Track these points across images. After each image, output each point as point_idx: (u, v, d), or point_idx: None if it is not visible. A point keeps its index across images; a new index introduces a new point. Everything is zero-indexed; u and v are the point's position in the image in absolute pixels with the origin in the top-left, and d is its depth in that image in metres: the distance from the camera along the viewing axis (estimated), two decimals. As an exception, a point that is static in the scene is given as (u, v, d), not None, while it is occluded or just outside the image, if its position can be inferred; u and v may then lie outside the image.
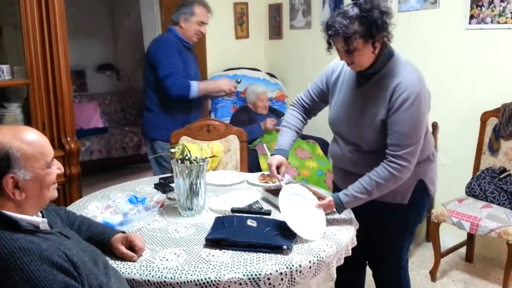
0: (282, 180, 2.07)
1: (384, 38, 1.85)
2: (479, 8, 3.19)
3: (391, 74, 1.91)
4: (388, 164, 1.89)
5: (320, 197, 2.10)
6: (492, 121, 3.16)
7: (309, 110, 2.29)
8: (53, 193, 1.37)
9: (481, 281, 3.10)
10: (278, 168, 2.11)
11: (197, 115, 3.28)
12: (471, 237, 3.29)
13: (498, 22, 3.11)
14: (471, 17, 3.23)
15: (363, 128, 1.98)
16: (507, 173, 3.03)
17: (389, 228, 2.12)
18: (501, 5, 3.08)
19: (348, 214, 2.02)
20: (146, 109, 3.23)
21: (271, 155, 2.16)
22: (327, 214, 1.95)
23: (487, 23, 3.17)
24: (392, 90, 1.89)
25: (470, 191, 3.11)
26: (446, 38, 3.34)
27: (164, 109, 3.14)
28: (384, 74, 1.93)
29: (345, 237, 1.82)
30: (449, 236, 3.39)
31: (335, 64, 2.16)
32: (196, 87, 3.04)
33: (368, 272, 2.37)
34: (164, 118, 3.14)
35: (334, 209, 1.95)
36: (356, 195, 1.91)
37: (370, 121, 1.95)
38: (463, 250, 3.37)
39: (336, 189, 2.29)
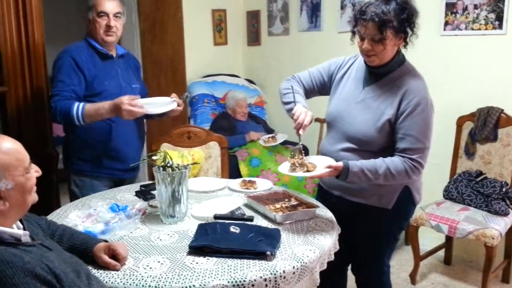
0: (300, 134, 1.99)
1: (410, 38, 1.92)
2: (453, 14, 3.26)
3: (402, 78, 1.96)
4: (405, 161, 1.90)
5: (302, 202, 2.11)
6: (468, 125, 3.22)
7: (304, 94, 2.22)
8: (34, 197, 1.36)
9: (460, 284, 3.15)
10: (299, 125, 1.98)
11: (127, 144, 2.56)
12: (449, 240, 3.35)
13: (472, 29, 3.19)
14: (446, 23, 3.30)
15: (364, 125, 1.99)
16: (483, 176, 3.09)
17: (372, 232, 2.13)
18: (474, 12, 3.16)
19: (330, 219, 2.03)
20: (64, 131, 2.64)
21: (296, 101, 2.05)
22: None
23: (461, 30, 3.25)
24: (402, 94, 1.93)
25: (448, 195, 3.17)
26: (421, 44, 3.38)
27: (75, 132, 2.50)
28: (395, 77, 1.97)
29: (327, 242, 1.83)
30: (428, 239, 3.43)
31: (344, 60, 2.18)
32: (80, 110, 2.29)
33: (351, 278, 2.39)
34: (77, 144, 2.53)
35: (335, 175, 1.93)
36: (365, 170, 1.90)
37: (375, 119, 1.97)
38: (441, 253, 3.42)
39: (321, 191, 2.30)
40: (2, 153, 1.26)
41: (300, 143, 2.02)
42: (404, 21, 1.87)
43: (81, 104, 2.32)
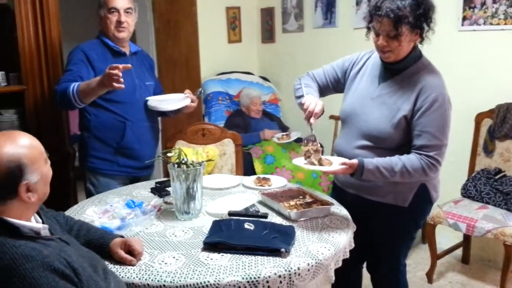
0: (311, 123, 1.98)
1: (426, 33, 1.89)
2: (471, 9, 3.21)
3: (418, 74, 1.93)
4: (422, 158, 1.87)
5: (317, 200, 2.10)
6: (487, 122, 3.18)
7: (319, 91, 2.22)
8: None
9: (477, 283, 3.11)
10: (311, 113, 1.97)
11: (140, 143, 2.54)
12: (467, 238, 3.30)
13: (491, 24, 3.14)
14: (464, 18, 3.25)
15: (380, 122, 1.97)
16: (502, 173, 3.04)
17: (388, 230, 2.11)
18: (493, 7, 3.11)
19: (345, 216, 2.02)
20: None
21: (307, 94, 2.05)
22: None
23: (479, 25, 3.19)
24: (419, 90, 1.90)
25: (466, 192, 3.12)
26: (439, 40, 3.34)
27: (90, 130, 2.51)
28: (411, 72, 1.95)
29: (342, 239, 1.81)
30: (445, 238, 3.39)
31: (359, 57, 2.16)
32: (75, 88, 2.26)
33: (366, 276, 2.37)
34: (92, 142, 2.52)
35: (350, 173, 1.90)
36: (380, 168, 1.87)
37: (391, 116, 1.94)
38: (459, 251, 3.38)
39: (336, 189, 2.29)
40: (27, 148, 1.28)
41: (313, 132, 1.97)
42: (420, 17, 1.84)
43: (77, 83, 2.29)
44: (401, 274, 2.23)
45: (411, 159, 1.88)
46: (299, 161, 1.98)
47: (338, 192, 2.24)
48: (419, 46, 1.97)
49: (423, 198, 2.05)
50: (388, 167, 1.88)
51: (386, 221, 2.09)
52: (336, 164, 1.93)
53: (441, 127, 1.88)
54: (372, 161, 1.89)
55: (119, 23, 2.45)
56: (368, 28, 1.95)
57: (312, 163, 1.93)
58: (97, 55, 2.45)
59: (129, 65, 2.17)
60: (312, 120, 1.96)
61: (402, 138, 1.96)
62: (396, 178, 1.90)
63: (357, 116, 2.06)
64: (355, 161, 1.89)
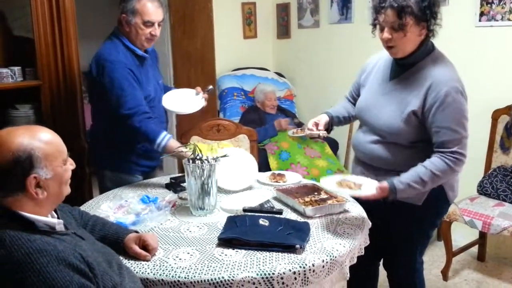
0: (312, 129, 2.12)
1: (433, 27, 1.87)
2: (489, 5, 3.17)
3: (429, 68, 1.91)
4: (445, 156, 1.85)
5: (332, 196, 2.09)
6: (504, 119, 3.14)
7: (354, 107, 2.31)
8: (68, 189, 1.39)
9: (493, 280, 3.08)
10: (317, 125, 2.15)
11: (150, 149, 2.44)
12: (483, 236, 3.27)
13: (509, 19, 3.10)
14: (481, 14, 3.21)
15: (390, 117, 1.97)
16: (519, 171, 3.01)
17: (402, 228, 2.09)
18: (511, 2, 3.06)
19: (360, 213, 2.01)
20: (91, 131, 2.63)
21: None
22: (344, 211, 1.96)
23: (497, 20, 3.15)
24: (428, 86, 1.88)
25: (482, 190, 3.09)
26: (456, 35, 3.32)
27: (107, 134, 2.50)
28: (422, 67, 1.93)
29: (357, 236, 1.81)
30: (461, 235, 3.36)
31: (368, 62, 2.19)
32: (164, 143, 2.27)
33: (382, 272, 2.36)
34: (118, 145, 2.48)
35: (384, 195, 1.89)
36: (411, 184, 1.86)
37: (400, 111, 1.94)
38: (475, 249, 3.35)
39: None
40: (44, 143, 1.29)
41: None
42: (426, 9, 1.83)
43: (166, 137, 2.27)
44: (418, 272, 2.21)
45: (435, 163, 1.86)
46: (331, 185, 1.94)
47: None
48: (432, 40, 1.95)
49: (439, 197, 2.03)
50: (418, 179, 1.85)
51: (401, 219, 2.07)
52: (365, 184, 1.91)
53: (458, 120, 1.86)
54: (401, 180, 1.86)
55: (152, 35, 2.38)
56: (374, 26, 1.95)
57: (344, 186, 1.93)
58: (133, 67, 2.37)
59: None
60: (314, 129, 2.13)
61: (415, 136, 1.95)
62: (428, 187, 1.89)
63: (369, 112, 2.07)
64: (385, 184, 1.86)
